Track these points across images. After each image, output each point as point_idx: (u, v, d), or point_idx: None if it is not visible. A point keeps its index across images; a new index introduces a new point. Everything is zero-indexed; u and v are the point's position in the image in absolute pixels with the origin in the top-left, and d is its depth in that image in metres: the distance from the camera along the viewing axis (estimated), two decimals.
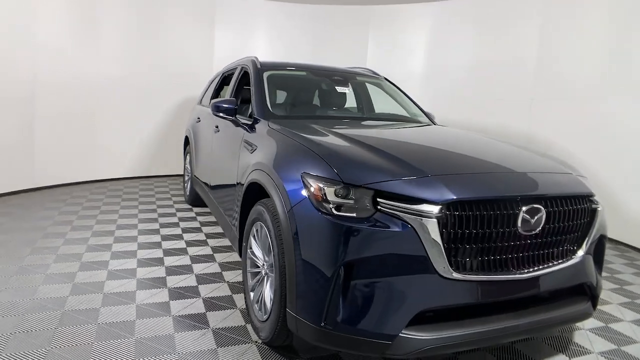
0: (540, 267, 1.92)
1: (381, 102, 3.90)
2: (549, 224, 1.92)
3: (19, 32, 4.98)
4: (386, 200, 1.73)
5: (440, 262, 1.69)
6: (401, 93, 3.85)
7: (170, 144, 6.66)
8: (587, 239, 2.08)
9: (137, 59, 6.30)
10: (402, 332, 1.68)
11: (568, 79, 5.15)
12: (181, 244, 3.70)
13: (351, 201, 1.75)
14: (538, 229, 1.88)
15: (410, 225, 1.68)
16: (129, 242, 3.67)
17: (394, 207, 1.71)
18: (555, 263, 1.97)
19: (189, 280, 2.97)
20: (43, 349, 2.08)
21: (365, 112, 3.84)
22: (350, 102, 3.86)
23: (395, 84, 4.09)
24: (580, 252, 2.05)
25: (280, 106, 3.41)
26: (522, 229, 1.84)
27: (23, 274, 2.93)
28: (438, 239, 1.68)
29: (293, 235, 1.85)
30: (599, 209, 2.12)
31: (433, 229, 1.68)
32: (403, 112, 3.64)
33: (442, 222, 1.70)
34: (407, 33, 7.11)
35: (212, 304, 2.66)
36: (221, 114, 3.14)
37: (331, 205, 1.76)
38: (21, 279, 2.85)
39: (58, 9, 5.43)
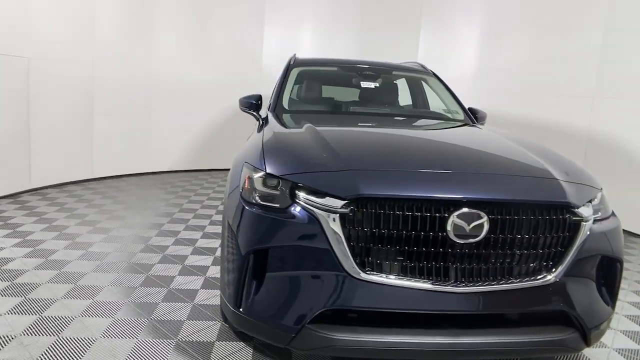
0: (488, 282, 1.64)
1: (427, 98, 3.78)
2: (496, 233, 1.63)
3: (79, 32, 5.29)
4: (301, 192, 1.69)
5: (346, 261, 1.60)
6: (445, 89, 3.67)
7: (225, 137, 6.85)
8: (566, 258, 1.71)
9: (190, 57, 6.51)
10: (308, 326, 1.63)
11: (637, 75, 4.74)
12: None
13: (276, 191, 1.74)
14: (480, 238, 1.61)
15: (317, 219, 1.63)
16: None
17: (306, 200, 1.67)
18: (513, 281, 1.67)
19: None
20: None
21: (406, 109, 3.70)
22: (403, 98, 3.77)
23: (443, 80, 3.93)
24: (555, 273, 1.70)
25: (298, 102, 3.42)
26: (456, 235, 1.60)
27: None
28: (341, 235, 1.60)
29: (226, 221, 1.92)
30: (584, 222, 1.72)
31: (336, 225, 1.60)
32: (439, 110, 3.50)
33: (348, 218, 1.61)
34: (461, 25, 6.86)
35: None
36: (244, 109, 3.24)
37: (256, 194, 1.78)
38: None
39: (116, 10, 5.71)
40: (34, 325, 2.22)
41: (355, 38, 7.14)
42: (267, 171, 1.79)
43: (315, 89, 3.60)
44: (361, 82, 3.58)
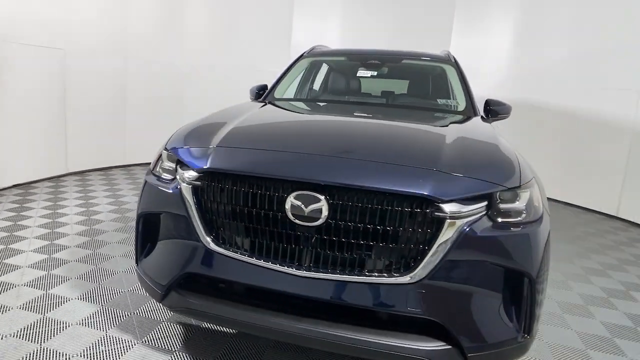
0: (335, 271, 1.57)
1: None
2: (338, 219, 1.55)
3: (114, 26, 5.56)
4: (179, 165, 1.85)
5: (199, 230, 1.72)
6: (459, 80, 3.42)
7: None
8: (425, 258, 1.51)
9: (220, 49, 6.67)
10: (176, 288, 1.78)
11: None
12: None
13: (172, 164, 1.91)
14: (320, 222, 1.55)
15: (180, 189, 1.77)
16: None
17: (178, 172, 1.82)
18: (364, 275, 1.55)
19: None
20: None
21: (412, 99, 3.48)
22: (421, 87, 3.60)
23: (464, 69, 3.71)
24: (412, 274, 1.52)
25: (293, 91, 3.54)
26: (294, 216, 1.57)
27: None
28: (193, 205, 1.73)
29: None
30: (449, 220, 1.49)
31: (189, 195, 1.74)
32: (440, 102, 3.31)
33: (200, 190, 1.73)
34: (497, 15, 6.53)
35: None
36: (252, 98, 3.38)
37: (159, 167, 1.98)
38: None
39: (149, 8, 5.94)
40: None
41: (385, 27, 6.98)
42: (166, 146, 2.01)
43: (323, 78, 3.64)
44: (370, 72, 3.51)
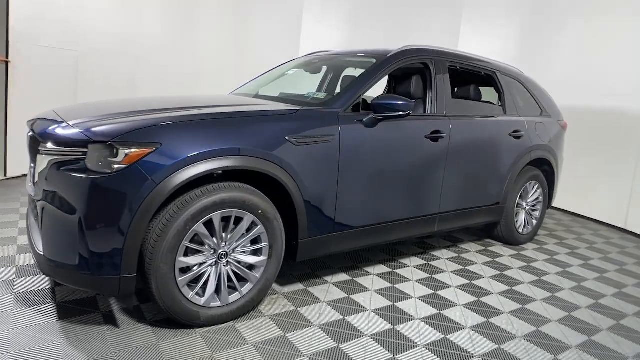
0: None
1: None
2: None
3: (127, 30, 5.76)
4: None
5: None
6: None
7: None
8: None
9: (230, 52, 6.78)
10: None
11: None
12: None
13: None
14: None
15: None
16: None
17: None
18: None
19: None
20: None
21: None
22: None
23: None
24: None
25: (263, 88, 3.72)
26: None
27: None
28: None
29: None
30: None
31: None
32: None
33: None
34: (505, 19, 6.43)
35: None
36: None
37: None
38: None
39: (161, 10, 6.11)
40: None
41: (392, 36, 6.96)
42: None
43: (296, 78, 3.93)
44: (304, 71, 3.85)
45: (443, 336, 2.45)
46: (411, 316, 2.64)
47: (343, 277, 3.12)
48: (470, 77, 3.91)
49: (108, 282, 2.03)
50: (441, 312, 2.74)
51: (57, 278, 2.12)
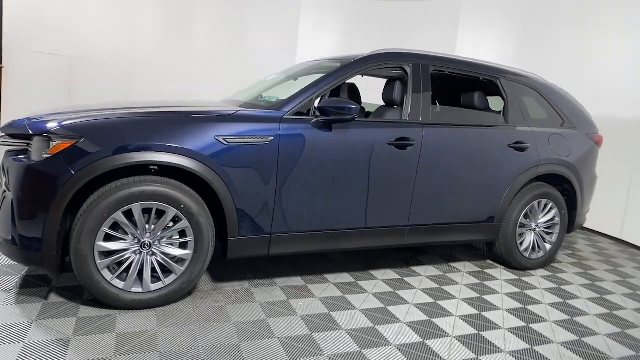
0: None
1: None
2: None
3: (121, 37, 6.02)
4: None
5: None
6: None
7: None
8: None
9: (225, 57, 6.82)
10: None
11: None
12: None
13: None
14: None
15: None
16: None
17: None
18: None
19: None
20: None
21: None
22: None
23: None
24: None
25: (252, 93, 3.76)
26: None
27: None
28: None
29: None
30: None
31: None
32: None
33: None
34: (503, 27, 6.02)
35: None
36: None
37: None
38: None
39: (155, 18, 6.31)
40: None
41: (392, 43, 6.70)
42: None
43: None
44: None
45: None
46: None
47: (391, 276, 3.10)
48: (464, 83, 3.65)
49: (33, 257, 2.32)
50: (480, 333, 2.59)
51: (2, 252, 2.45)
